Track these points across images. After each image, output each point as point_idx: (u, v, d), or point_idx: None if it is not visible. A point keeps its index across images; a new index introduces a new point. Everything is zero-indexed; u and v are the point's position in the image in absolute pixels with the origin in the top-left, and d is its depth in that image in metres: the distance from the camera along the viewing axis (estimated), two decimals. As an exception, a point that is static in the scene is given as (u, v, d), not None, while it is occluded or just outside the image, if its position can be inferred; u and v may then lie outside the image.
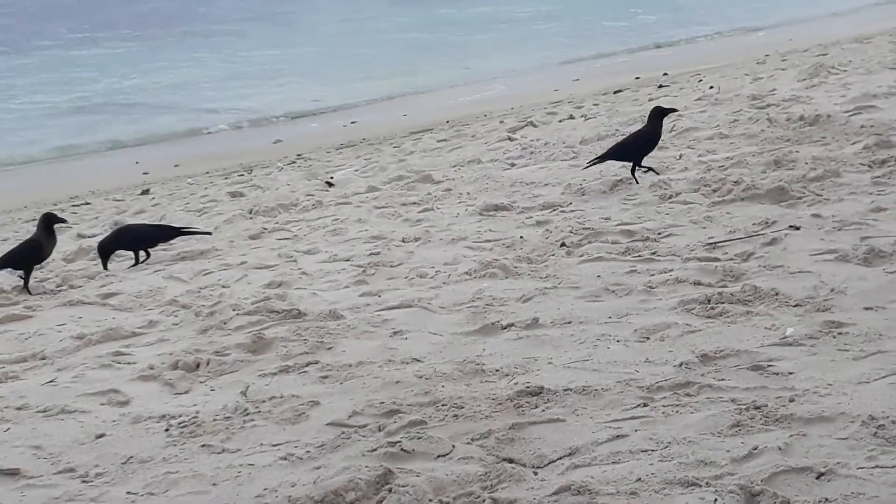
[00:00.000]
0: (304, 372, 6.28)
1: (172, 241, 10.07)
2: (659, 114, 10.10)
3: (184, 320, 7.65)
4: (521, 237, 8.70)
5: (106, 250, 9.65)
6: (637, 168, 10.07)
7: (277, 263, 8.95)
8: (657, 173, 10.15)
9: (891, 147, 9.86)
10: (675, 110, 10.55)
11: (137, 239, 9.83)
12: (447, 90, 25.08)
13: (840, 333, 5.86)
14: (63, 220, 9.72)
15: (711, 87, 15.84)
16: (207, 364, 6.57)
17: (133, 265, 9.68)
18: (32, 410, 6.08)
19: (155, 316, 7.85)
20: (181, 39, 40.01)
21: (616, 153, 10.14)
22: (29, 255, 9.21)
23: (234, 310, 7.57)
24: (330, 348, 6.64)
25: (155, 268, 9.41)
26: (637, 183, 9.94)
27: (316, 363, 6.38)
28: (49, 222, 9.28)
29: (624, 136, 10.94)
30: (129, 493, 4.99)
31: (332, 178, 13.04)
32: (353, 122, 21.57)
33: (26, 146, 21.49)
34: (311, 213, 11.02)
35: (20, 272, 9.24)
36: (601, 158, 10.15)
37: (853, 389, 5.14)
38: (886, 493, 4.20)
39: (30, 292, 9.05)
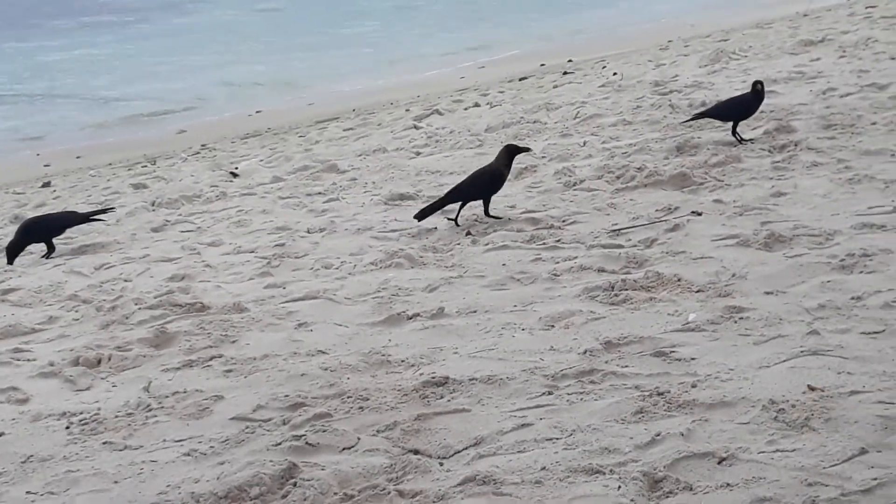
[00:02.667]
0: (208, 366, 6.22)
1: (74, 230, 9.92)
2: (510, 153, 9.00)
3: (85, 315, 7.53)
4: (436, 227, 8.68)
5: (15, 250, 9.49)
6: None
7: (181, 256, 8.84)
8: None
9: (791, 132, 10.00)
10: (528, 149, 9.40)
11: (47, 228, 9.67)
12: (354, 77, 24.95)
13: (741, 318, 5.94)
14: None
15: (615, 74, 15.93)
16: (109, 360, 6.49)
17: (46, 255, 9.51)
18: (-72, 410, 5.95)
19: (55, 311, 7.72)
20: (80, 28, 39.40)
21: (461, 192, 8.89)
22: None
23: (136, 304, 7.48)
24: (234, 341, 6.58)
25: (55, 262, 9.25)
26: None
27: (220, 357, 6.33)
28: None
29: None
30: (28, 492, 4.92)
31: (236, 168, 12.91)
32: (257, 112, 21.37)
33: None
34: (215, 204, 10.91)
35: None
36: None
37: (754, 374, 5.21)
38: (787, 476, 4.26)
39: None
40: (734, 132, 10.12)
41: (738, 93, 11.34)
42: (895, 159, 8.79)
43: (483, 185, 8.81)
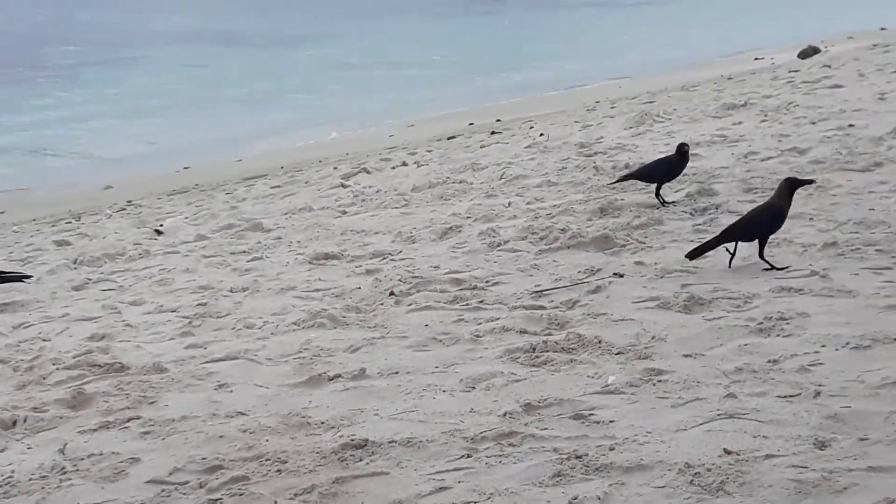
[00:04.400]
0: (126, 428, 6.15)
1: None
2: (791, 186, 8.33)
3: (1, 375, 7.41)
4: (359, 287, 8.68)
5: None
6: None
7: (101, 315, 8.74)
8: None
9: (712, 195, 10.14)
10: (811, 182, 8.83)
11: None
12: (283, 136, 24.95)
13: (660, 381, 5.98)
14: None
15: (542, 135, 16.08)
16: (25, 421, 6.38)
17: None
18: None
19: (-29, 371, 7.60)
20: (8, 82, 39.12)
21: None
22: None
23: (53, 364, 7.37)
24: (153, 403, 6.51)
25: (-26, 320, 9.12)
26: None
27: (138, 418, 6.25)
28: None
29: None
30: (-64, 558, 4.82)
31: (161, 225, 12.83)
32: (185, 168, 21.29)
33: None
34: (137, 262, 10.82)
35: None
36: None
37: (671, 437, 5.24)
38: (701, 540, 4.28)
39: None
40: (657, 194, 10.21)
41: (662, 155, 11.48)
42: (813, 223, 8.92)
43: (763, 223, 8.06)
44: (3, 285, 9.83)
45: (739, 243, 8.09)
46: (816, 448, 4.99)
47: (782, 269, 7.82)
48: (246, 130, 26.02)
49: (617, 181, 10.81)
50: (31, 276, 10.23)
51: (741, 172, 11.01)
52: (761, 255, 7.97)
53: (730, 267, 8.03)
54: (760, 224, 8.06)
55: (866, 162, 10.83)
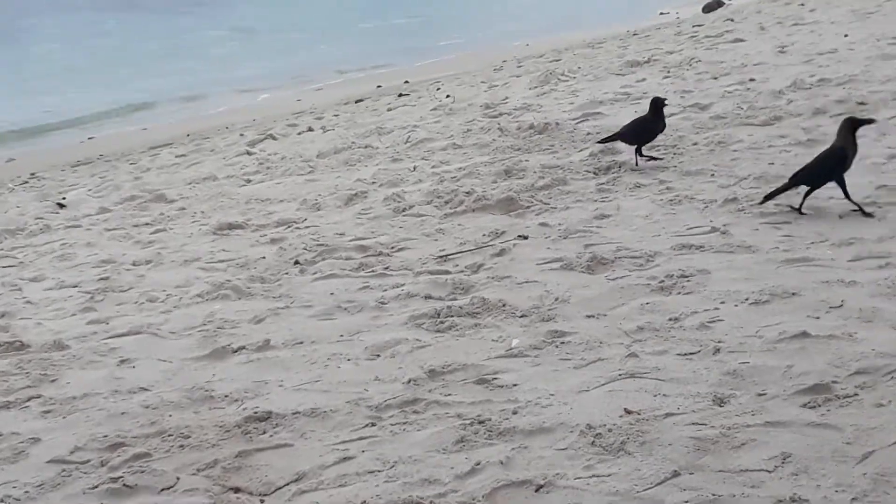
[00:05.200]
0: (26, 407, 6.06)
1: None
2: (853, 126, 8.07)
3: None
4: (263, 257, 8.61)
5: None
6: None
7: (1, 292, 8.60)
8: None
9: (615, 154, 10.18)
10: (872, 121, 8.34)
11: None
12: (191, 102, 24.66)
13: (562, 343, 6.02)
14: None
15: (448, 97, 16.04)
16: (-81, 404, 6.26)
17: None
18: None
19: None
20: None
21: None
22: None
23: (-49, 344, 7.25)
24: (54, 381, 6.42)
25: None
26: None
27: (38, 397, 6.16)
28: None
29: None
30: None
31: (63, 198, 12.63)
32: (90, 138, 20.96)
33: None
34: (38, 237, 10.64)
35: None
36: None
37: (573, 399, 5.28)
38: (602, 501, 4.33)
39: None
40: (638, 154, 9.87)
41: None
42: (714, 179, 9.01)
43: (832, 166, 7.92)
44: None
45: (813, 188, 8.03)
46: (715, 405, 5.05)
47: (868, 214, 7.78)
48: (155, 96, 25.68)
49: (599, 142, 10.41)
50: None
51: (644, 130, 11.05)
52: (847, 197, 7.89)
53: (800, 212, 7.97)
54: (826, 169, 7.99)
55: (766, 116, 10.93)
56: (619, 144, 10.15)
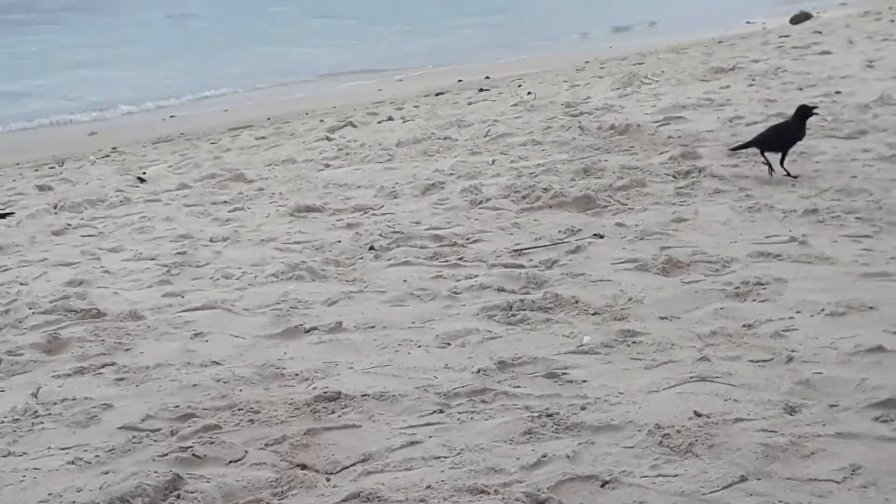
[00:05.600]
0: (100, 374, 6.14)
1: None
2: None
3: (-23, 318, 7.40)
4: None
5: None
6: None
7: (80, 261, 8.72)
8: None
9: (695, 158, 10.13)
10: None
11: None
12: (272, 87, 24.85)
13: (634, 342, 5.99)
14: None
15: (529, 93, 16.04)
16: (-1, 363, 6.38)
17: None
18: None
19: (-53, 313, 7.58)
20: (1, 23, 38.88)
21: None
22: None
23: (30, 308, 7.36)
24: (128, 349, 6.50)
25: (-49, 262, 9.10)
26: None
27: (112, 365, 6.24)
28: None
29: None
30: None
31: (144, 173, 12.79)
32: (171, 116, 21.22)
33: None
34: (118, 209, 10.78)
35: None
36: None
37: (643, 398, 5.26)
38: (667, 501, 4.31)
39: None
40: (781, 163, 9.51)
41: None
42: (795, 189, 8.93)
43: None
44: None
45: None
46: (786, 413, 5.01)
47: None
48: (232, 79, 25.90)
49: (735, 149, 9.98)
50: (13, 213, 10.24)
51: (726, 136, 11.00)
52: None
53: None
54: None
55: (851, 129, 10.83)
56: (700, 149, 10.08)
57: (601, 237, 8.07)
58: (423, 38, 32.04)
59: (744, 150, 9.76)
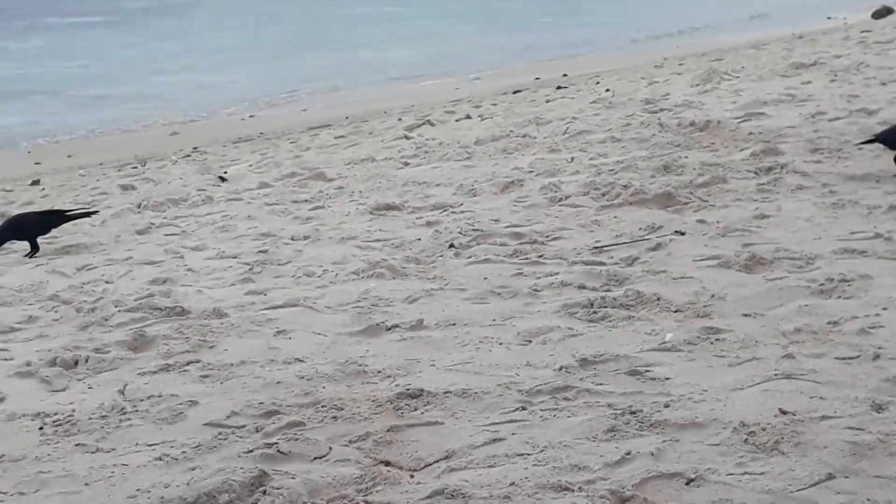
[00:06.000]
0: (185, 371, 6.22)
1: (59, 230, 9.88)
2: None
3: (64, 316, 7.51)
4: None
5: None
6: None
7: (163, 259, 8.84)
8: None
9: (777, 154, 10.03)
10: None
11: (33, 228, 9.61)
12: (348, 89, 24.97)
13: (717, 339, 5.95)
14: None
15: (607, 90, 15.97)
16: (86, 361, 6.47)
17: (30, 254, 9.46)
18: None
19: (35, 311, 7.71)
20: (73, 28, 39.42)
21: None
22: None
23: (116, 306, 7.46)
24: (212, 347, 6.58)
25: (38, 262, 9.23)
26: None
27: (197, 362, 6.32)
28: None
29: None
30: (-2, 493, 4.91)
31: (225, 172, 12.92)
32: (251, 116, 21.42)
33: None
34: (200, 208, 10.90)
35: None
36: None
37: (727, 396, 5.22)
38: (753, 499, 4.27)
39: None
40: None
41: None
42: (879, 185, 8.82)
43: None
44: (67, 226, 9.93)
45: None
46: (873, 410, 4.95)
47: None
48: (312, 79, 26.06)
49: (862, 143, 9.85)
50: (97, 211, 10.43)
51: (808, 132, 10.87)
52: None
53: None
54: None
55: (934, 124, 10.65)
56: (782, 146, 9.98)
57: (682, 234, 8.02)
58: (499, 37, 31.98)
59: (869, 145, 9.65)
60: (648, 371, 5.61)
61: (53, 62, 31.17)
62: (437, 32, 34.14)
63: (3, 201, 12.80)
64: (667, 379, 5.50)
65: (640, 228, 8.30)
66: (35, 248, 9.54)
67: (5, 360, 6.68)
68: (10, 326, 7.38)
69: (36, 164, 17.22)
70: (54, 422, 5.61)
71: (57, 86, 26.90)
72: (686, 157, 10.35)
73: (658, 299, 6.66)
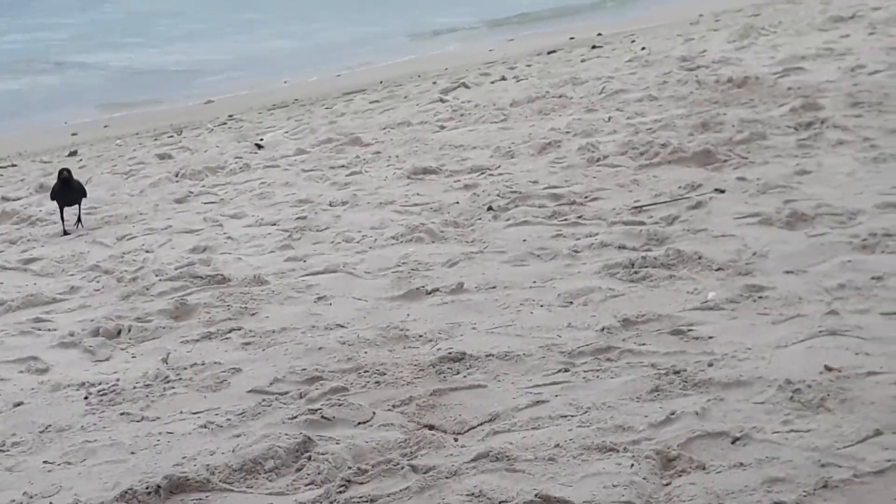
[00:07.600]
0: (227, 338, 6.24)
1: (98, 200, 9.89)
2: None
3: (106, 286, 7.56)
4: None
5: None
6: None
7: (202, 228, 8.86)
8: None
9: (817, 109, 9.93)
10: None
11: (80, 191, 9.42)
12: (381, 50, 24.91)
13: (760, 297, 5.91)
14: None
15: (643, 49, 15.85)
16: (129, 331, 6.51)
17: (75, 223, 9.35)
18: (-51, 379, 5.99)
19: (77, 281, 7.76)
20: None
21: None
22: None
23: (156, 275, 7.50)
24: (253, 314, 6.60)
25: (78, 232, 9.28)
26: None
27: (239, 329, 6.34)
28: None
29: None
30: (45, 462, 4.95)
31: (261, 139, 12.92)
32: (285, 82, 21.39)
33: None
34: (238, 176, 10.92)
35: None
36: None
37: (771, 354, 5.19)
38: (800, 456, 4.24)
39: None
40: None
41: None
42: (921, 138, 8.72)
43: None
44: (106, 196, 9.90)
45: None
46: (920, 366, 4.91)
47: None
48: (344, 44, 26.01)
49: None
50: None
51: (848, 86, 10.75)
52: None
53: None
54: None
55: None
56: (822, 100, 9.87)
57: (722, 192, 7.96)
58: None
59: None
60: (691, 330, 5.58)
61: (85, 33, 31.21)
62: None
63: (41, 172, 12.84)
64: (710, 338, 5.47)
65: (680, 187, 8.25)
66: (79, 219, 9.45)
67: (49, 330, 6.74)
68: (53, 297, 7.43)
69: (73, 134, 17.30)
70: (99, 391, 5.65)
71: (89, 56, 26.94)
72: (724, 114, 10.27)
73: (699, 258, 6.61)
